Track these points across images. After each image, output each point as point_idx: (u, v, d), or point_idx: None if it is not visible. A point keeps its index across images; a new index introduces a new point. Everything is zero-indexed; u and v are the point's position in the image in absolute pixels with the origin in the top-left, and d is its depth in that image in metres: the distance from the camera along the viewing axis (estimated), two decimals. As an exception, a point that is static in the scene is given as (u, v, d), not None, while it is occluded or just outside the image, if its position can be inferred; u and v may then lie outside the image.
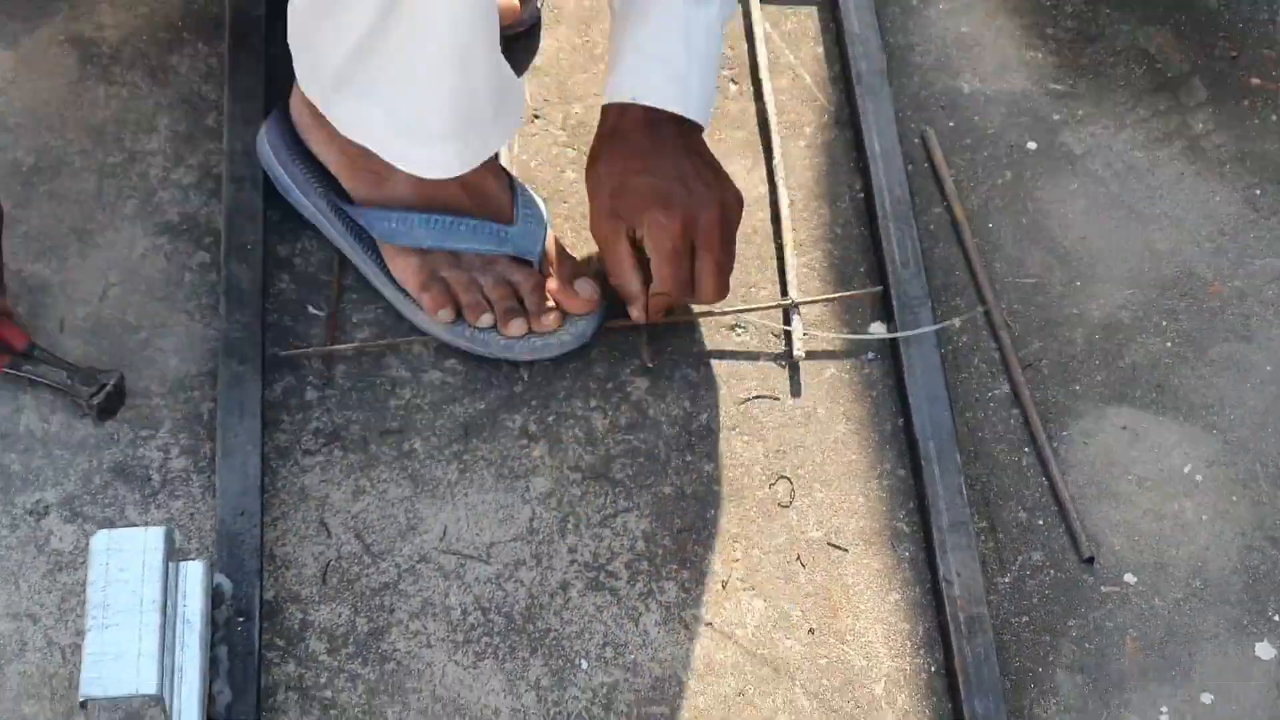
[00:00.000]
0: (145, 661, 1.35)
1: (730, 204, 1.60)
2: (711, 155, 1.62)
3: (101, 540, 1.40)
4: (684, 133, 1.59)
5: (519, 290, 1.64)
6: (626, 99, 1.58)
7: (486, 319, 1.63)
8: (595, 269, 1.68)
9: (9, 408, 1.59)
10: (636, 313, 1.63)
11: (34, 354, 1.58)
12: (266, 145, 1.68)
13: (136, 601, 1.37)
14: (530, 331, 1.63)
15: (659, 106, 1.57)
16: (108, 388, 1.57)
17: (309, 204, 1.67)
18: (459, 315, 1.63)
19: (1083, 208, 1.77)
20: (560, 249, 1.67)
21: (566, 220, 1.73)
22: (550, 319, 1.63)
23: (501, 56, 1.53)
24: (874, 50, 1.82)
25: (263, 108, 1.73)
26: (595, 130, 1.62)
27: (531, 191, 1.68)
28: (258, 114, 1.72)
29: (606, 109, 1.61)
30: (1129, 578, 1.57)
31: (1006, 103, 1.83)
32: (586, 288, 1.64)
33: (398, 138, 1.55)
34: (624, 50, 1.59)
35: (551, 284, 1.63)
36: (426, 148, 1.55)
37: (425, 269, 1.63)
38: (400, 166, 1.57)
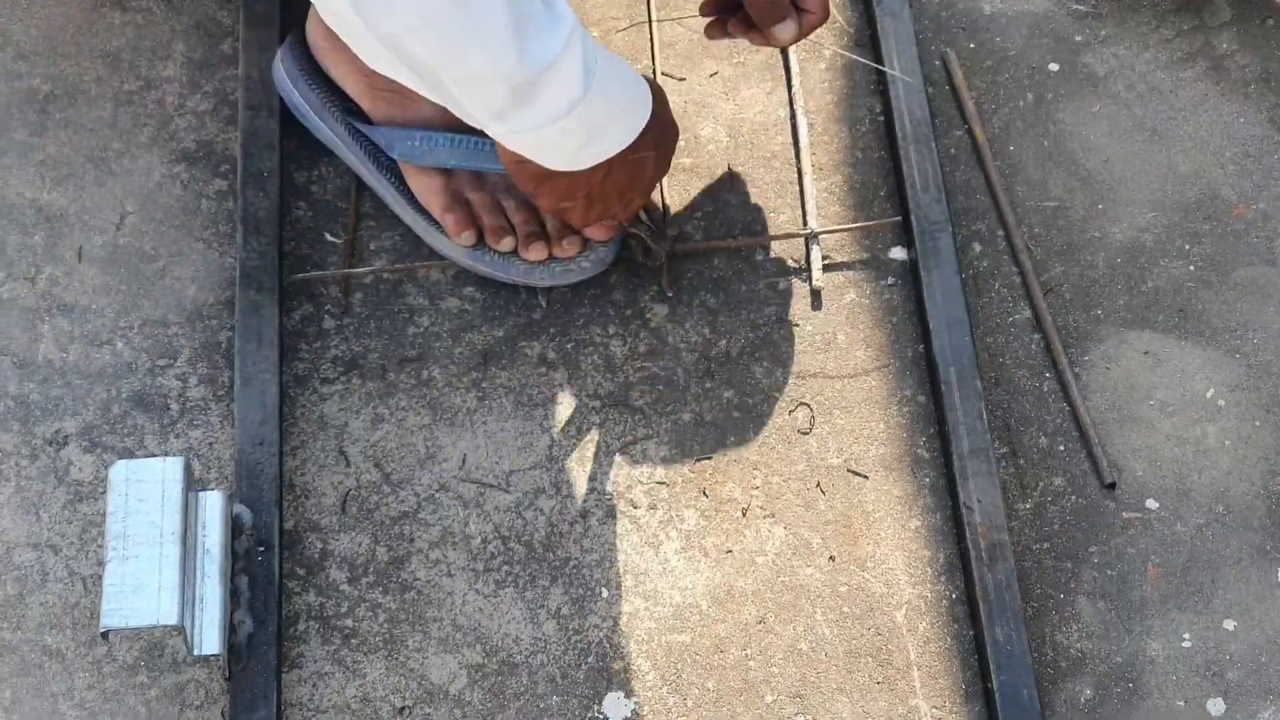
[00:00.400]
0: (165, 593, 1.35)
1: None
2: None
3: (120, 471, 1.40)
4: None
5: (541, 214, 1.63)
6: None
7: (508, 242, 1.61)
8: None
9: (27, 336, 1.58)
10: (791, 30, 1.54)
11: None
12: (282, 70, 1.66)
13: (156, 533, 1.37)
14: (551, 257, 1.62)
15: None
16: None
17: (326, 128, 1.66)
18: (480, 239, 1.62)
19: (1105, 130, 1.75)
20: None
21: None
22: (571, 244, 1.61)
23: None
24: (894, -30, 1.80)
25: (278, 34, 1.71)
26: None
27: None
28: (273, 40, 1.71)
29: None
30: (1151, 503, 1.57)
31: (1028, 24, 1.81)
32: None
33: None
34: None
35: None
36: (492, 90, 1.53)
37: (449, 190, 1.62)
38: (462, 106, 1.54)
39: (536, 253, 1.61)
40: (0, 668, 1.45)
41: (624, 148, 1.44)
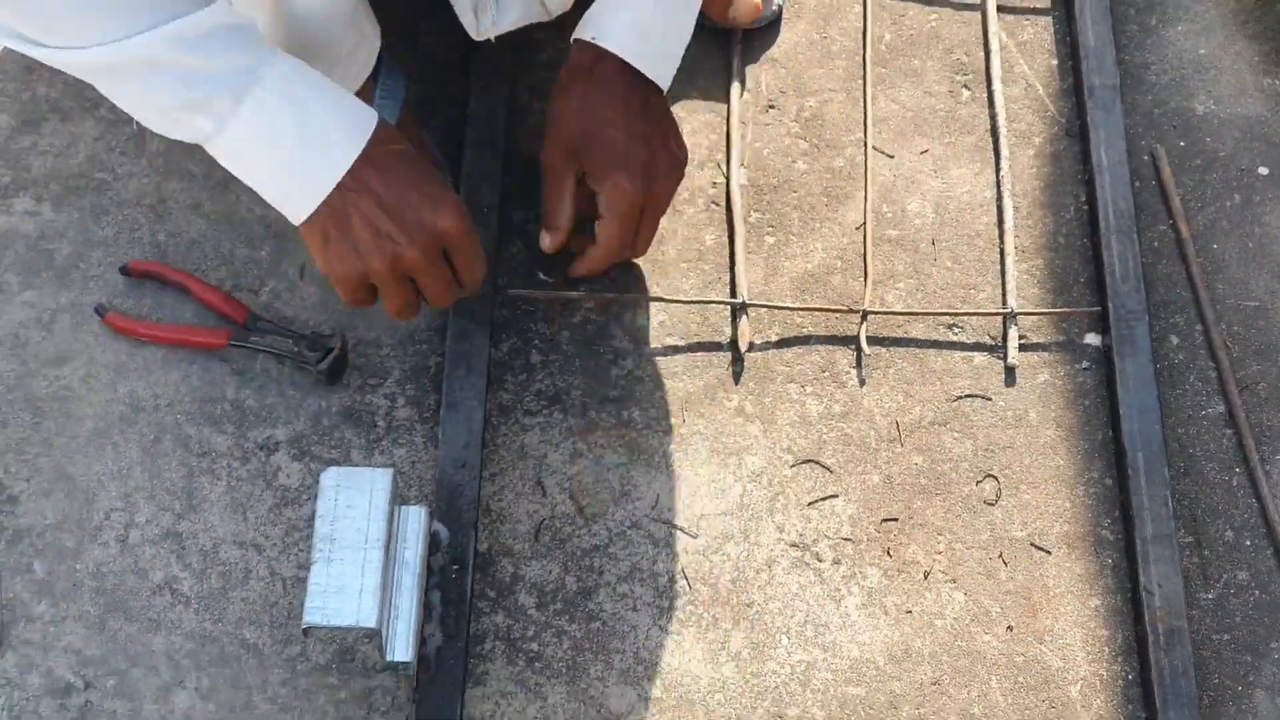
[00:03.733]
0: (367, 596, 1.39)
1: (682, 171, 1.63)
2: (674, 119, 1.63)
3: (332, 477, 1.44)
4: (654, 91, 1.60)
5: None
6: (587, 37, 1.59)
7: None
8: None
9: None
10: (549, 243, 1.65)
11: (257, 325, 1.63)
12: None
13: (362, 539, 1.42)
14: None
15: (614, 53, 1.57)
16: (334, 352, 1.61)
17: None
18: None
19: (1309, 236, 1.78)
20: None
21: (795, 209, 1.76)
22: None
23: None
24: (1108, 65, 1.83)
25: (510, 75, 1.77)
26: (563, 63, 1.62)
27: (399, 74, 1.69)
28: (503, 80, 1.76)
29: (579, 45, 1.60)
30: (1333, 604, 1.58)
31: (1240, 126, 1.84)
32: None
33: None
34: None
35: None
36: None
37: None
38: None
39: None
40: (200, 656, 1.50)
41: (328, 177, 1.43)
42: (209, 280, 1.67)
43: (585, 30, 1.59)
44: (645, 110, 1.59)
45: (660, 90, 1.60)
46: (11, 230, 1.69)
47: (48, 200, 1.71)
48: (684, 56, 1.62)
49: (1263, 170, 1.81)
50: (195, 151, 1.67)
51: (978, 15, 1.89)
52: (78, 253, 1.68)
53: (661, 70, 1.60)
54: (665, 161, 1.60)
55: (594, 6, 1.60)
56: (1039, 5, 1.91)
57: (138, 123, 1.50)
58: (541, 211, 1.65)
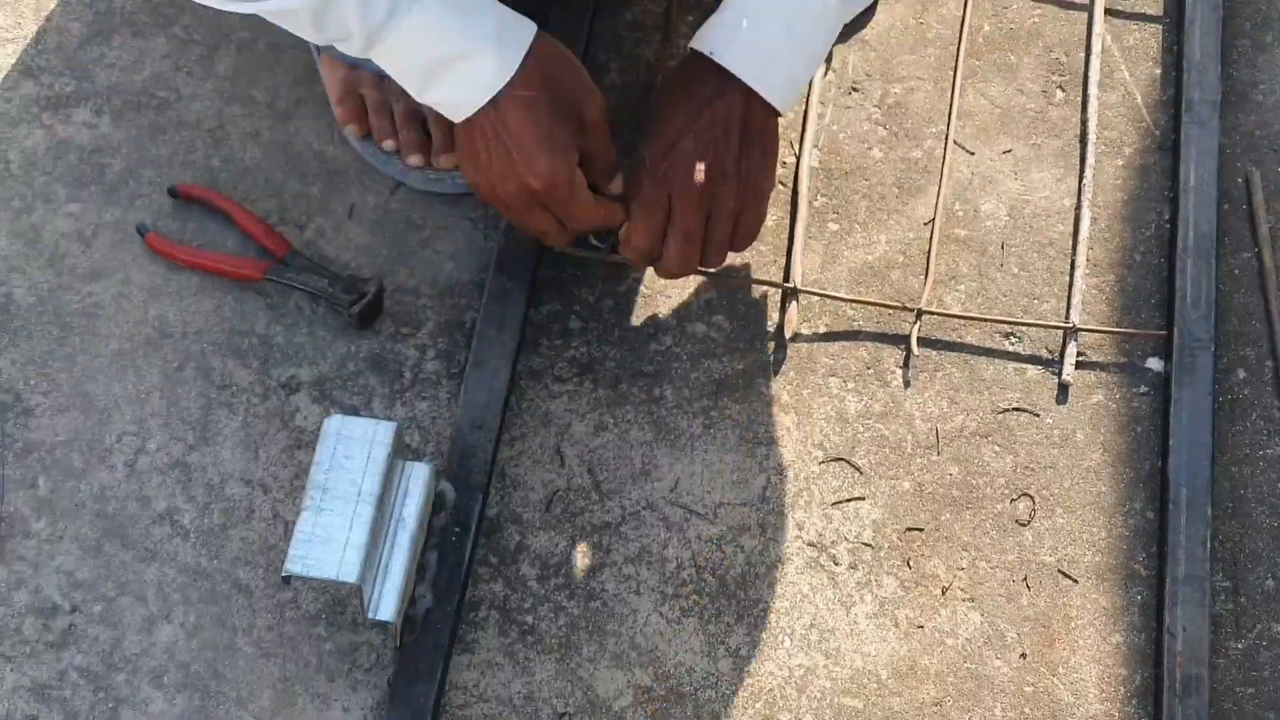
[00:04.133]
0: (351, 550, 1.37)
1: (764, 208, 1.55)
2: (778, 145, 1.54)
3: (334, 425, 1.42)
4: (771, 113, 1.50)
5: (428, 124, 1.67)
6: (706, 51, 1.49)
7: (390, 144, 1.67)
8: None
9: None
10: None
11: (295, 262, 1.61)
12: None
13: (354, 491, 1.39)
14: (428, 165, 1.66)
15: (734, 73, 1.47)
16: (368, 297, 1.58)
17: None
18: (368, 134, 1.68)
19: (1401, 280, 1.69)
20: None
21: (864, 197, 1.70)
22: (447, 160, 1.65)
23: None
24: (1210, 79, 1.74)
25: (585, 30, 1.73)
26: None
27: None
28: (580, 35, 1.72)
29: (699, 60, 1.50)
30: (1368, 669, 1.50)
31: (1344, 157, 1.75)
32: None
33: None
34: (731, 3, 1.50)
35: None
36: None
37: (346, 82, 1.67)
38: None
39: (414, 160, 1.67)
40: (190, 591, 1.48)
41: (502, 84, 1.42)
42: (255, 211, 1.64)
43: (705, 43, 1.49)
44: (757, 137, 1.50)
45: (778, 113, 1.51)
46: (67, 140, 1.68)
47: (107, 113, 1.69)
48: None
49: (1362, 205, 1.73)
50: (261, 78, 1.67)
51: (1083, 15, 1.82)
52: (129, 169, 1.67)
53: (784, 98, 1.50)
54: (748, 199, 1.51)
55: (716, 15, 1.50)
56: (1150, 11, 1.82)
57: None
58: (628, 224, 1.54)
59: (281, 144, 1.69)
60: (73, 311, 1.59)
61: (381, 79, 1.65)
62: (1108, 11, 1.82)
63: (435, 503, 1.49)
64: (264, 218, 1.64)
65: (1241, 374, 1.63)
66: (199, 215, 1.65)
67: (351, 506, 1.38)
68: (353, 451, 1.41)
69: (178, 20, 1.74)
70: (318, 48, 1.68)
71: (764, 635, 1.50)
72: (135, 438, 1.55)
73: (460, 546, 1.49)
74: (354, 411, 1.57)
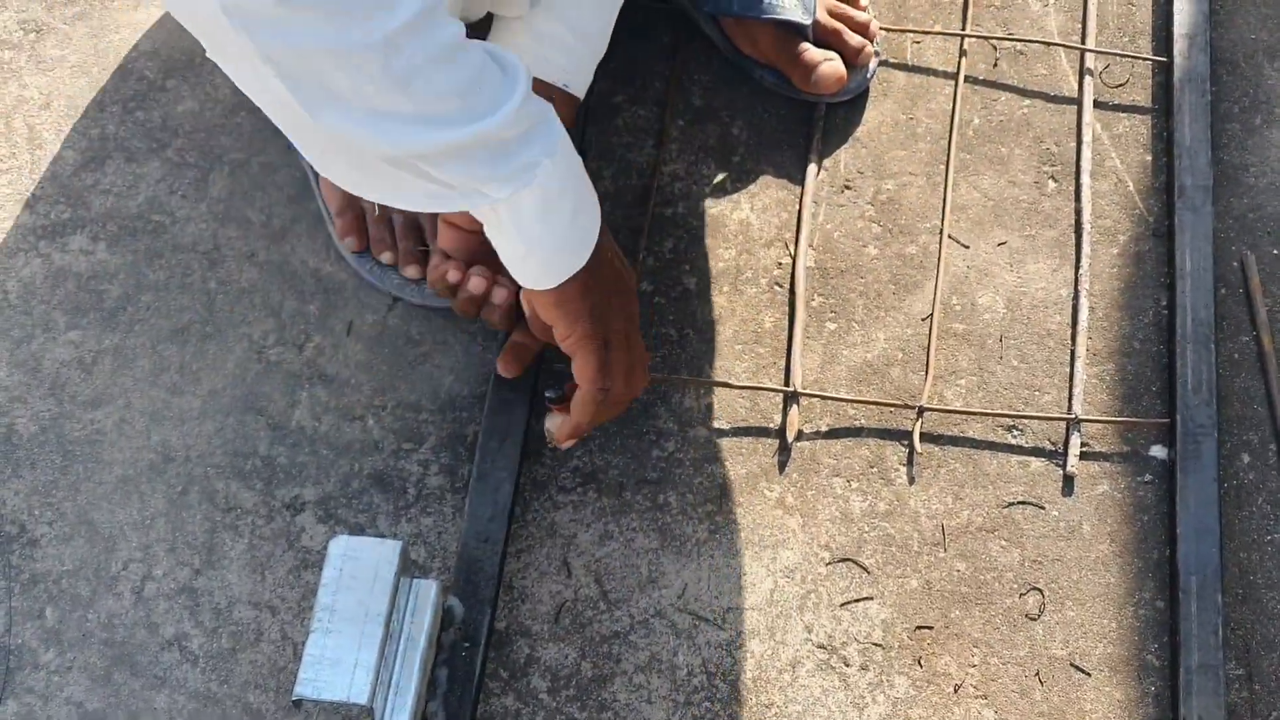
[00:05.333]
0: (361, 671, 1.36)
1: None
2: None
3: (339, 546, 1.41)
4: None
5: (425, 236, 1.67)
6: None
7: (387, 256, 1.68)
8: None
9: (285, 401, 1.62)
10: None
11: None
12: None
13: (363, 612, 1.39)
14: (424, 278, 1.67)
15: None
16: None
17: None
18: (366, 247, 1.68)
19: (1401, 358, 1.69)
20: None
21: (861, 296, 1.70)
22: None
23: None
24: (1202, 165, 1.75)
25: (578, 139, 1.73)
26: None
27: None
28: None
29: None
30: (1386, 753, 1.49)
31: (1337, 238, 1.76)
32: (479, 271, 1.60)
33: None
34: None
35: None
36: None
37: (346, 196, 1.68)
38: None
39: (412, 272, 1.67)
40: (201, 718, 1.48)
41: (587, 256, 1.43)
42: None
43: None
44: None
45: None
46: (65, 268, 1.68)
47: (103, 240, 1.70)
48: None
49: (1358, 285, 1.73)
50: (256, 198, 1.67)
51: (1073, 107, 1.83)
52: (127, 295, 1.67)
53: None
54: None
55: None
56: (1139, 102, 1.83)
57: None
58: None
59: (278, 264, 1.70)
60: (75, 440, 1.60)
61: None
62: (1096, 104, 1.83)
63: (444, 618, 1.48)
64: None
65: (1246, 458, 1.63)
66: (196, 339, 1.65)
67: (360, 628, 1.38)
68: (359, 572, 1.40)
69: (170, 144, 1.75)
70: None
71: (778, 740, 1.49)
72: (141, 564, 1.54)
73: (470, 661, 1.48)
74: (359, 530, 1.56)
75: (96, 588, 1.53)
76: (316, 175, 1.70)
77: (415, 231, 1.67)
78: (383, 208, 1.67)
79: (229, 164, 1.75)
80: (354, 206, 1.68)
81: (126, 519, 1.56)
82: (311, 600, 1.53)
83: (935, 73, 1.85)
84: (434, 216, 1.64)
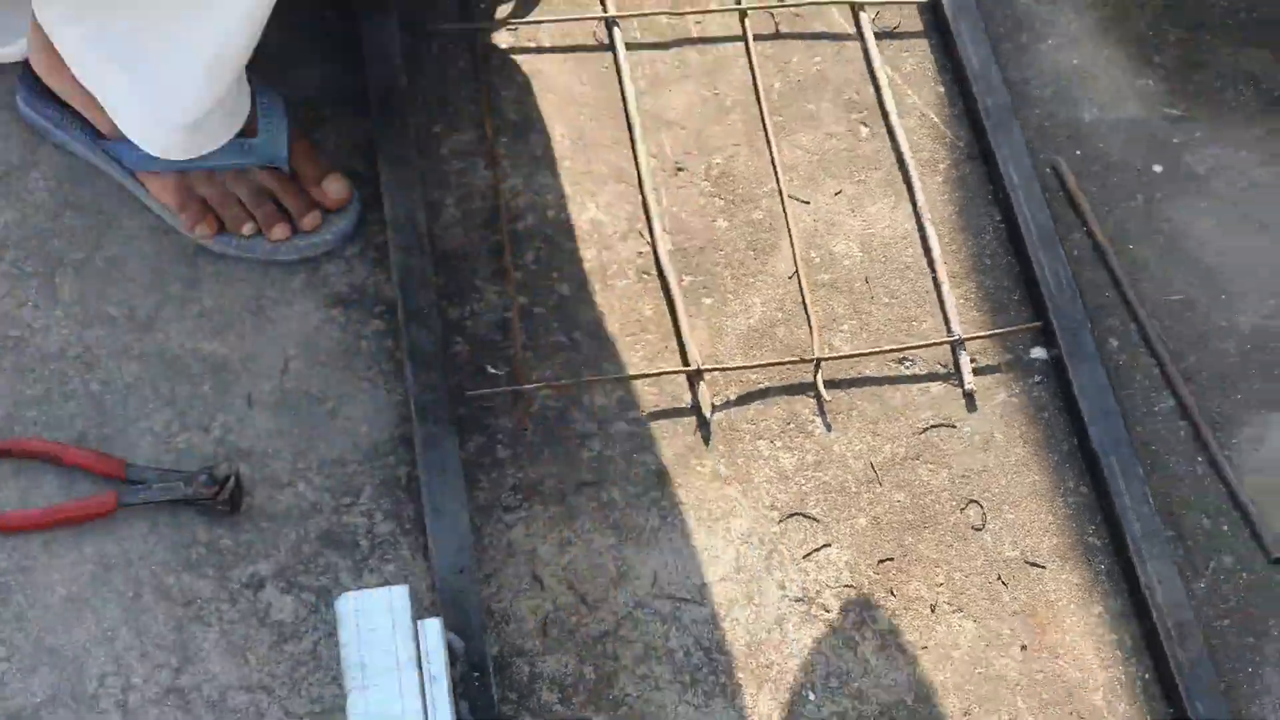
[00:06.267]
0: (410, 719, 1.36)
1: None
2: None
3: (348, 603, 1.40)
4: None
5: (276, 195, 1.71)
6: None
7: (249, 228, 1.71)
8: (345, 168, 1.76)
9: (207, 485, 1.59)
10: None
11: (139, 475, 1.57)
12: (20, 98, 1.74)
13: (393, 661, 1.38)
14: (294, 233, 1.71)
15: None
16: (229, 482, 1.56)
17: (72, 142, 1.73)
18: (221, 227, 1.71)
19: (1215, 225, 1.82)
20: (307, 148, 1.73)
21: (725, 267, 1.76)
22: (312, 219, 1.71)
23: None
24: (997, 85, 1.86)
25: (419, 174, 1.75)
26: None
27: (272, 93, 1.72)
28: (413, 181, 1.73)
29: None
30: (1321, 574, 1.62)
31: (1127, 129, 1.88)
32: (336, 185, 1.72)
33: (139, 109, 1.62)
34: None
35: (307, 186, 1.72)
36: (165, 131, 1.63)
37: (181, 188, 1.70)
38: (133, 138, 1.65)
39: (278, 233, 1.71)
40: (233, 810, 1.45)
41: None
42: (82, 443, 1.60)
43: None
44: None
45: None
46: (-62, 402, 1.62)
47: (-31, 366, 1.64)
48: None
49: (1157, 168, 1.86)
50: (110, 293, 1.63)
51: (860, 52, 1.91)
52: (10, 415, 1.61)
53: None
54: None
55: None
56: (917, 41, 1.93)
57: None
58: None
59: (156, 353, 1.66)
60: (4, 571, 1.54)
61: (212, 173, 1.68)
62: (879, 49, 1.92)
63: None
64: (78, 442, 1.60)
65: (1114, 343, 1.74)
66: (11, 470, 1.59)
67: (396, 676, 1.37)
68: (376, 623, 1.39)
69: (3, 257, 1.70)
70: (132, 174, 1.70)
71: (788, 695, 1.54)
72: (117, 676, 1.50)
73: (486, 690, 1.48)
74: (325, 593, 1.55)
75: (78, 710, 1.48)
76: (137, 181, 1.70)
77: (264, 196, 1.70)
78: (218, 188, 1.69)
79: (71, 265, 1.70)
80: (191, 197, 1.69)
81: (86, 636, 1.51)
82: (302, 671, 1.51)
83: (724, 46, 1.91)
84: (280, 174, 1.69)
